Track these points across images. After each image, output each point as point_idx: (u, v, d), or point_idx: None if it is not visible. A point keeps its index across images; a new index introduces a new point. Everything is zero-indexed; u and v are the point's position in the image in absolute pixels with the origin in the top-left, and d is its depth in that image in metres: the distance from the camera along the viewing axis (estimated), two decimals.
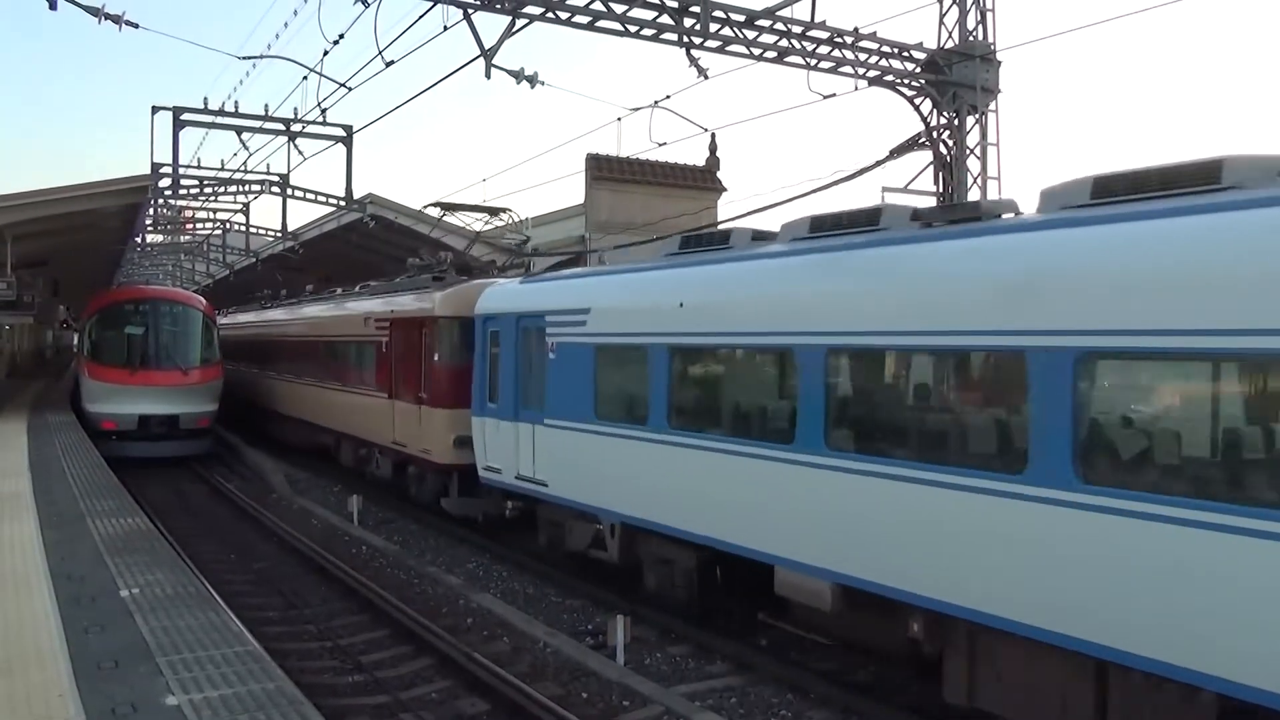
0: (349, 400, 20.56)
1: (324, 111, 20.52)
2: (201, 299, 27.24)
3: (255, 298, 34.64)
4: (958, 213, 8.77)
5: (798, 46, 14.64)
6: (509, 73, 14.18)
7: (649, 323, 10.93)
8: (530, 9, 13.11)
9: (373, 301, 20.07)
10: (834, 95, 15.28)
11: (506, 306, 14.01)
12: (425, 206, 18.68)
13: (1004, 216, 8.27)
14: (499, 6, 13.06)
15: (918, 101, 16.01)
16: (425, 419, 16.30)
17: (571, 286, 12.88)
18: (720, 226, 11.11)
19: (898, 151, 16.32)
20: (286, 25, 44.26)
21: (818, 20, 14.49)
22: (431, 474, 16.65)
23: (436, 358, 16.07)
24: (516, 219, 20.18)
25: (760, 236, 10.83)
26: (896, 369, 8.67)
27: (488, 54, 13.17)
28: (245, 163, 25.85)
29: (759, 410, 9.90)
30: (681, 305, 10.50)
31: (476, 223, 19.87)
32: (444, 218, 21.21)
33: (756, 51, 14.45)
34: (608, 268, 13.31)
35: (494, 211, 19.33)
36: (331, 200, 27.19)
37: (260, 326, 30.40)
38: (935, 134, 16.06)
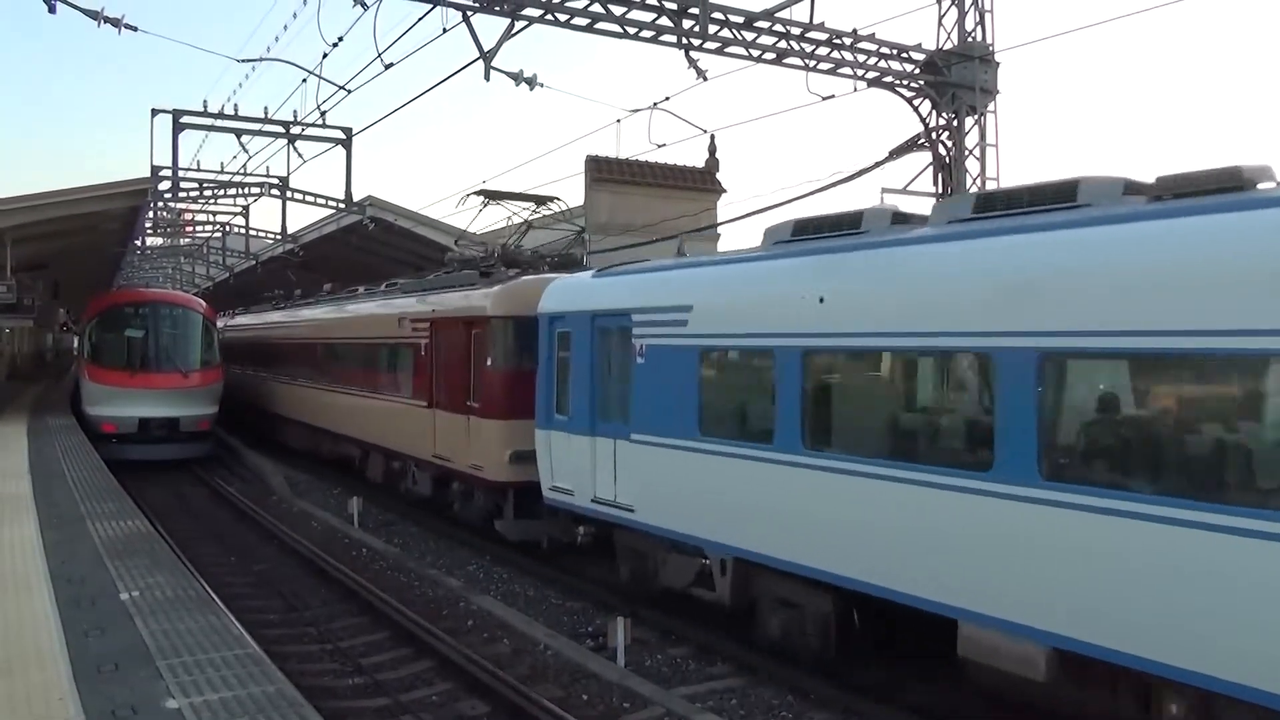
0: (379, 408, 18.85)
1: (323, 114, 20.59)
2: (201, 301, 27.25)
3: (265, 298, 33.05)
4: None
5: (796, 48, 14.65)
6: (508, 75, 14.20)
7: (775, 321, 9.21)
8: (529, 11, 13.12)
9: (408, 300, 18.11)
10: (833, 96, 15.30)
11: (579, 304, 12.30)
12: (467, 194, 16.69)
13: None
14: (498, 9, 13.07)
15: (917, 103, 16.02)
16: (475, 431, 14.52)
17: (666, 280, 11.15)
18: (849, 210, 9.43)
19: (897, 153, 16.33)
20: (286, 28, 44.38)
21: (816, 21, 14.49)
22: (482, 492, 14.83)
23: (489, 362, 14.27)
24: (564, 207, 18.19)
25: (903, 219, 9.19)
26: (1171, 378, 6.82)
27: (487, 56, 13.18)
28: (245, 165, 25.89)
29: (938, 429, 8.33)
30: (822, 300, 8.71)
31: (523, 212, 18.22)
32: (470, 210, 20.33)
33: (755, 53, 14.46)
34: (712, 257, 11.41)
35: (541, 200, 17.63)
36: (331, 202, 27.21)
37: (273, 328, 28.74)
38: (934, 135, 16.07)
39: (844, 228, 9.31)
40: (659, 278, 11.39)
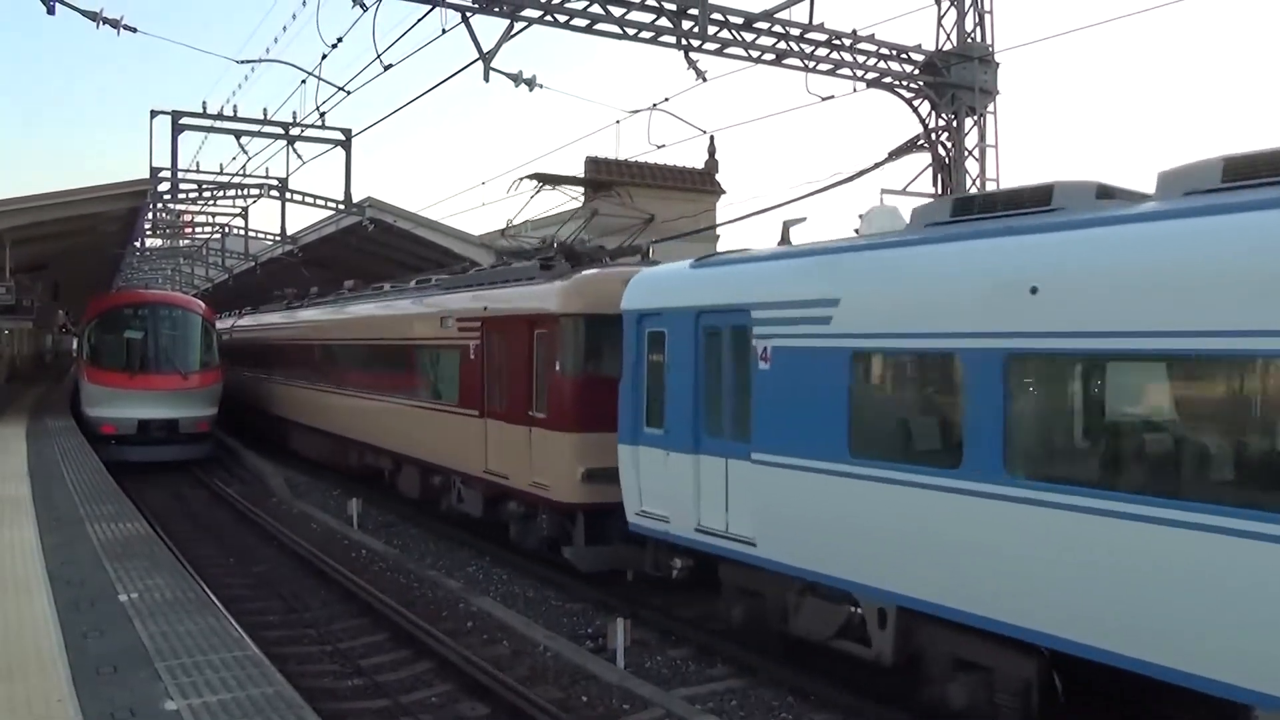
0: (416, 417, 17.02)
1: (323, 115, 20.59)
2: (200, 303, 27.25)
3: (276, 297, 31.01)
4: None
5: (796, 49, 14.65)
6: (507, 75, 14.21)
7: (963, 318, 7.54)
8: (528, 12, 13.12)
9: (451, 298, 16.26)
10: (832, 97, 15.30)
11: (677, 299, 10.64)
12: (521, 179, 14.89)
13: None
14: (497, 10, 13.07)
15: (916, 103, 16.02)
16: (540, 445, 12.87)
17: (800, 270, 9.36)
18: (1029, 185, 8.03)
19: (896, 153, 16.32)
20: (285, 29, 44.36)
21: (816, 22, 14.50)
22: (547, 514, 13.06)
23: (558, 367, 12.58)
24: (627, 199, 16.08)
25: (1108, 193, 7.63)
26: None
27: (486, 57, 13.19)
28: (244, 167, 25.87)
29: (1231, 455, 6.44)
30: (1035, 291, 7.07)
31: (571, 202, 16.77)
32: (520, 196, 18.86)
33: (755, 54, 14.46)
34: (863, 240, 9.12)
35: (598, 186, 16.20)
36: (330, 204, 27.20)
37: (288, 329, 26.91)
38: (934, 136, 16.07)
39: (1026, 204, 7.89)
40: (790, 267, 9.57)
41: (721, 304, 10.02)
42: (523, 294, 13.85)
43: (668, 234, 18.45)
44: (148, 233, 35.02)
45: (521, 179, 15.01)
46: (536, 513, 13.36)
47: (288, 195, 27.31)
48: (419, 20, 13.10)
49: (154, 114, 22.60)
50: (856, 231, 9.38)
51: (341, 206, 26.27)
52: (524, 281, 14.07)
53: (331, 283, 27.46)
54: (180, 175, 25.07)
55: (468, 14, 12.98)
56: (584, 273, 13.16)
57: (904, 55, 15.65)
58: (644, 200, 25.32)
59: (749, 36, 14.26)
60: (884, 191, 15.65)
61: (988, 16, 16.02)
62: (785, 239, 10.87)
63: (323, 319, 23.86)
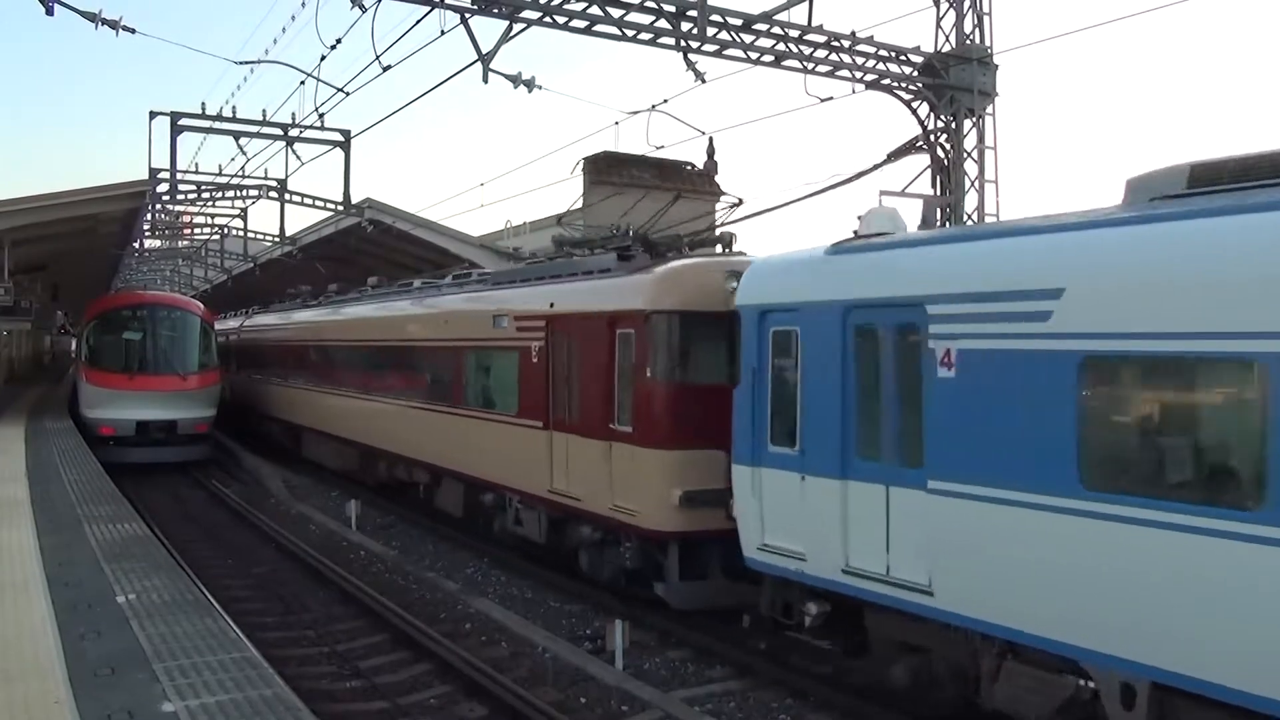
0: (462, 427, 15.22)
1: (321, 116, 20.61)
2: (199, 304, 27.23)
3: (290, 295, 28.99)
4: None
5: (795, 50, 14.65)
6: (506, 77, 14.22)
7: (1263, 313, 5.75)
8: (527, 13, 13.12)
9: (508, 293, 14.52)
10: (831, 99, 15.31)
11: (813, 291, 8.93)
12: (580, 160, 13.39)
13: None
14: (496, 11, 13.07)
15: (915, 105, 16.02)
16: (624, 463, 11.16)
17: (999, 252, 7.65)
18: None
19: (895, 155, 16.32)
20: (284, 30, 44.32)
21: (815, 24, 14.50)
22: (632, 544, 11.30)
23: (649, 372, 10.89)
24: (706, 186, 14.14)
25: None
26: None
27: (485, 58, 13.19)
28: (243, 168, 25.88)
29: None
30: None
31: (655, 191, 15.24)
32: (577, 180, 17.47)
33: (754, 55, 14.46)
34: (1087, 216, 7.28)
35: (664, 172, 14.47)
36: (329, 205, 27.20)
37: (306, 329, 25.04)
38: (932, 137, 16.08)
39: None
40: (983, 251, 7.86)
41: (880, 298, 8.29)
42: (600, 288, 12.08)
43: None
44: (147, 234, 35.06)
45: (580, 161, 13.78)
46: (616, 540, 11.63)
47: (287, 196, 27.32)
48: (418, 22, 13.12)
49: (153, 115, 22.61)
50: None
51: (340, 207, 26.28)
52: (599, 274, 12.33)
53: (347, 281, 26.25)
54: (179, 176, 25.09)
55: (466, 15, 12.99)
56: (677, 263, 11.60)
57: (903, 57, 15.66)
58: (642, 202, 25.40)
59: (748, 38, 14.27)
60: (883, 193, 15.62)
61: (986, 18, 16.04)
62: (931, 221, 9.64)
63: (347, 318, 21.94)
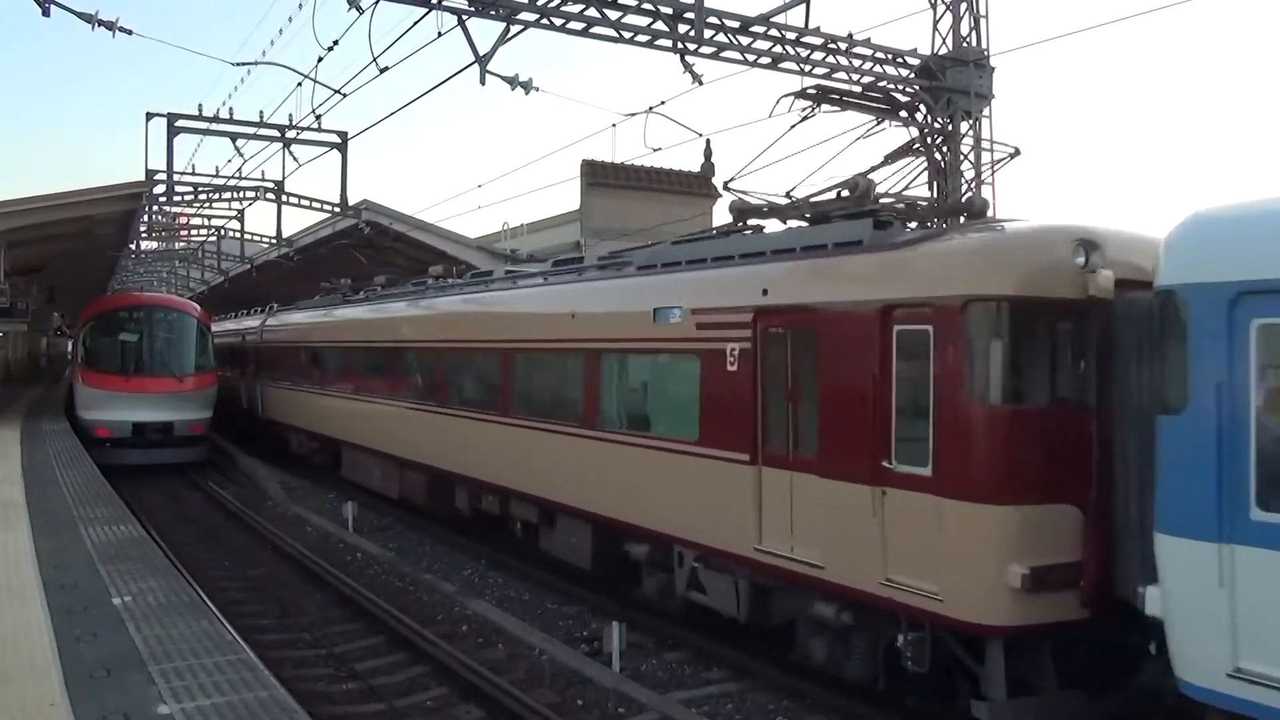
0: (598, 453, 11.75)
1: (319, 118, 20.59)
2: (196, 305, 27.21)
3: (325, 289, 26.02)
4: None
5: (791, 53, 14.66)
6: (503, 79, 14.21)
7: None
8: (524, 15, 13.12)
9: (677, 279, 11.01)
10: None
11: None
12: (795, 94, 10.65)
13: None
14: (493, 13, 13.06)
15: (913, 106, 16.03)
16: (914, 519, 7.87)
17: None
18: None
19: (892, 157, 16.29)
20: (281, 32, 44.38)
21: (811, 26, 14.51)
22: (923, 637, 8.00)
23: (969, 389, 7.63)
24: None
25: None
26: None
27: (482, 60, 13.18)
28: (240, 169, 25.86)
29: None
30: None
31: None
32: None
33: (750, 58, 14.46)
34: None
35: (894, 105, 11.85)
36: (327, 206, 27.19)
37: (351, 328, 21.42)
38: (929, 140, 16.09)
39: None
40: None
41: None
42: (859, 268, 8.77)
43: (664, 238, 18.45)
44: (143, 235, 35.00)
45: (795, 94, 10.66)
46: (872, 626, 8.52)
47: (284, 198, 27.30)
48: (415, 23, 13.08)
49: (150, 116, 22.58)
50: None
51: (337, 209, 26.26)
52: (844, 250, 9.01)
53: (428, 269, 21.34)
54: (176, 178, 25.05)
55: (464, 17, 12.98)
56: (1003, 229, 8.48)
57: (899, 59, 15.68)
58: (641, 203, 25.46)
59: (745, 40, 14.27)
60: (880, 195, 15.64)
61: (983, 20, 16.07)
62: None
63: (414, 315, 18.18)
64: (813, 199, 10.07)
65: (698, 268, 10.80)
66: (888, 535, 8.07)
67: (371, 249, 29.04)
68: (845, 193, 9.64)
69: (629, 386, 11.84)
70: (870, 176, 9.76)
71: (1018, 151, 11.37)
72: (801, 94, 10.73)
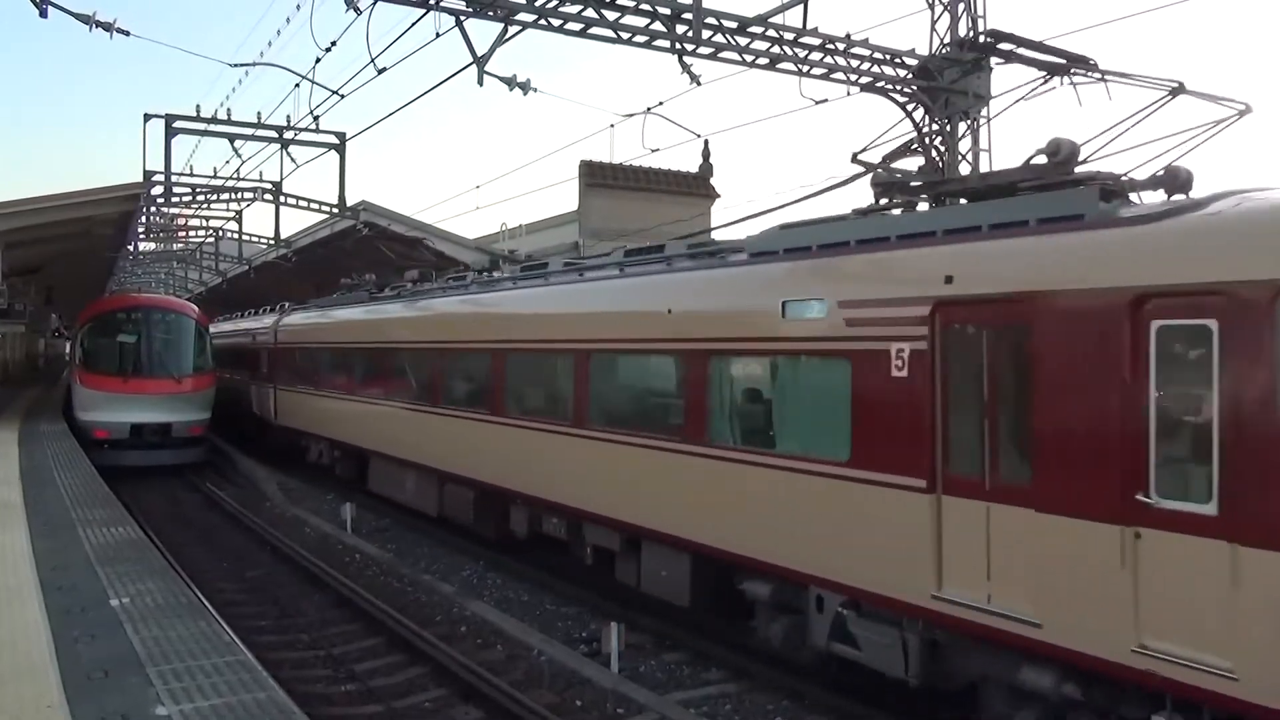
0: (704, 471, 9.97)
1: (316, 119, 20.56)
2: (194, 306, 27.17)
3: (346, 285, 24.18)
4: None
5: (789, 53, 14.66)
6: (501, 79, 14.20)
7: None
8: (522, 16, 13.12)
9: (818, 264, 9.12)
10: (826, 101, 15.31)
11: None
12: (971, 36, 8.98)
13: None
14: (491, 14, 13.06)
15: (910, 108, 16.05)
16: (1191, 572, 6.19)
17: None
18: None
19: (891, 157, 16.32)
20: (279, 33, 44.18)
21: (810, 27, 14.52)
22: None
23: None
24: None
25: None
26: None
27: (480, 61, 13.17)
28: (238, 170, 25.84)
29: None
30: None
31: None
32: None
33: (749, 58, 14.46)
34: None
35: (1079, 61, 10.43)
36: (325, 207, 27.17)
37: (394, 328, 18.81)
38: (928, 140, 16.10)
39: None
40: None
41: None
42: (1091, 246, 6.99)
43: (663, 238, 18.47)
44: (141, 236, 34.98)
45: (971, 37, 8.84)
46: (1111, 705, 6.89)
47: (281, 199, 27.28)
48: (413, 24, 13.08)
49: (147, 117, 22.55)
50: None
51: (335, 210, 26.24)
52: (1062, 225, 7.21)
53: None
54: (174, 179, 25.01)
55: (461, 18, 12.97)
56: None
57: (897, 60, 15.69)
58: (639, 204, 25.46)
59: (743, 40, 14.27)
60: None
61: (981, 21, 16.07)
62: None
63: (465, 313, 16.20)
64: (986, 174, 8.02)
65: (839, 252, 8.95)
66: (1143, 590, 6.39)
67: (395, 241, 28.55)
68: (1041, 159, 7.98)
69: (747, 394, 9.92)
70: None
71: (1248, 107, 8.45)
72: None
